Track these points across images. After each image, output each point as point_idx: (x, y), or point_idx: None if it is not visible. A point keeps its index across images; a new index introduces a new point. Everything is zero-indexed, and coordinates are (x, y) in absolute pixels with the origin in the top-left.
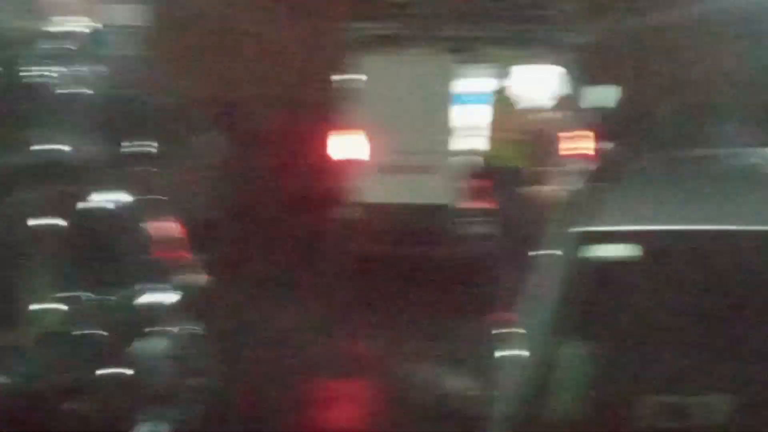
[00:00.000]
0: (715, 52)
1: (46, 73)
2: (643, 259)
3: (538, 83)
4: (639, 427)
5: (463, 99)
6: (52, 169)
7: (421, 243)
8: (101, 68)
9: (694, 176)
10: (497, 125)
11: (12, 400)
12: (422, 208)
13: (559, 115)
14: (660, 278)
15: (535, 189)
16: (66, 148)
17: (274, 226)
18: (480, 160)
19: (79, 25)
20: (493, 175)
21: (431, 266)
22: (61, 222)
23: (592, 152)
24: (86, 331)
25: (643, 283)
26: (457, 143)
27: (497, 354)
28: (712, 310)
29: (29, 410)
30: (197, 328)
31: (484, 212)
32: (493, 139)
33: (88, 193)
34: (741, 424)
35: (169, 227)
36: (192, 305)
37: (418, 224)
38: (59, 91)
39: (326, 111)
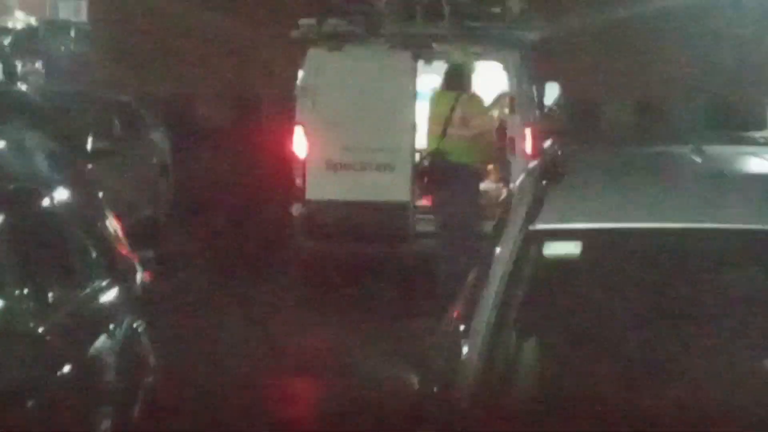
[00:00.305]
0: (665, 49)
1: None
2: (590, 257)
3: (489, 80)
4: (595, 424)
5: (418, 96)
6: None
7: (376, 240)
8: (46, 65)
9: (643, 173)
10: (450, 122)
11: None
12: (378, 205)
13: (510, 112)
14: (607, 276)
15: (487, 186)
16: (10, 145)
17: (227, 223)
18: (433, 157)
19: (23, 21)
20: (447, 172)
21: (386, 264)
22: (7, 218)
23: (542, 150)
24: (33, 330)
25: (590, 280)
26: (412, 140)
27: (451, 351)
28: (662, 309)
29: None
30: (144, 327)
31: (438, 209)
32: (447, 136)
33: (34, 189)
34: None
35: (116, 225)
36: (139, 303)
37: (373, 222)
38: (5, 87)
39: (281, 107)
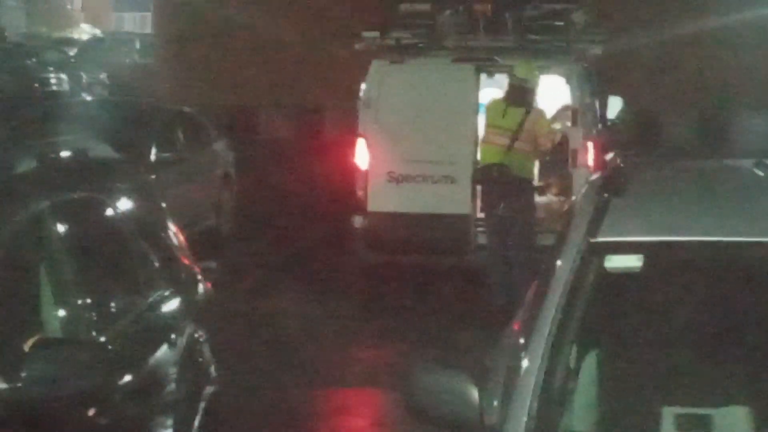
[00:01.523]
0: (728, 62)
1: (54, 81)
2: (652, 270)
3: (553, 93)
4: None
5: (481, 108)
6: (63, 174)
7: (436, 252)
8: (112, 76)
9: (705, 187)
10: (518, 137)
11: (14, 407)
12: (439, 217)
13: (572, 124)
14: (669, 289)
15: (549, 199)
16: (75, 154)
17: (289, 234)
18: (495, 169)
19: (88, 32)
20: (510, 184)
21: (447, 276)
22: (72, 228)
23: (605, 162)
24: (96, 339)
25: (652, 294)
26: (474, 153)
27: (511, 365)
28: (725, 322)
29: (32, 418)
30: (206, 337)
31: (499, 222)
32: (512, 150)
33: (97, 199)
34: None
35: (179, 235)
36: (200, 313)
37: (435, 234)
38: (70, 98)
39: (343, 119)
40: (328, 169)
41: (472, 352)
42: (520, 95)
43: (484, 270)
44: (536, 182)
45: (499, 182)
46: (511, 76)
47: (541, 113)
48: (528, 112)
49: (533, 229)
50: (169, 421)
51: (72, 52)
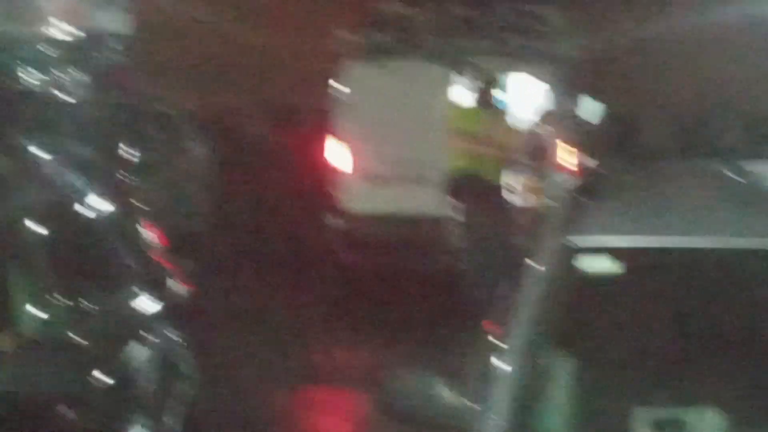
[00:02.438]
0: (705, 64)
1: (30, 79)
2: (628, 274)
3: (527, 95)
4: None
5: (454, 110)
6: (38, 174)
7: (410, 254)
8: (86, 75)
9: (680, 190)
10: (486, 137)
11: None
12: (412, 218)
13: (547, 127)
14: (645, 293)
15: (524, 201)
16: (52, 154)
17: (265, 234)
18: (469, 171)
19: (63, 31)
20: (482, 186)
21: (420, 277)
22: (47, 228)
23: (579, 165)
24: (71, 338)
25: (628, 297)
26: (447, 154)
27: (486, 366)
28: (699, 325)
29: (7, 417)
30: (181, 336)
31: (473, 224)
32: (477, 156)
33: (73, 199)
34: None
35: (154, 235)
36: (176, 313)
37: (407, 235)
38: (44, 97)
39: (317, 119)
40: (305, 168)
41: (448, 352)
42: (484, 97)
43: (458, 271)
44: (511, 184)
45: (471, 193)
46: (475, 77)
47: (498, 113)
48: (493, 115)
49: (505, 232)
50: (146, 421)
51: (49, 51)
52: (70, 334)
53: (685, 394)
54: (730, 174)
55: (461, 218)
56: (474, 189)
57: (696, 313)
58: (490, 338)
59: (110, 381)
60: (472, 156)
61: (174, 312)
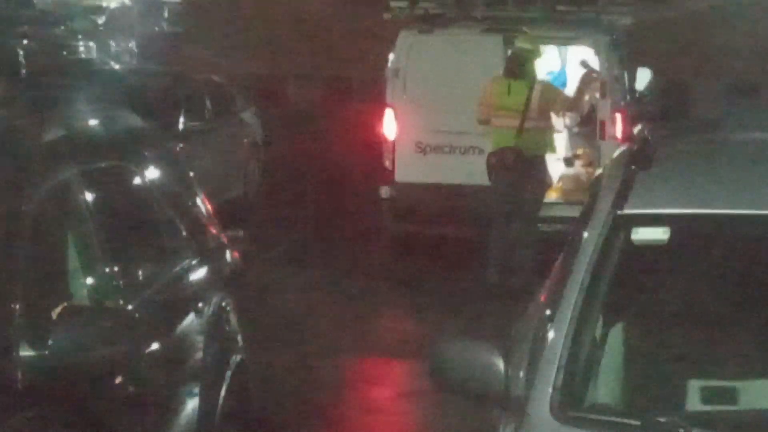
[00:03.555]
0: (758, 31)
1: (83, 49)
2: (678, 243)
3: (580, 65)
4: (681, 411)
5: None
6: (90, 143)
7: (463, 223)
8: (141, 44)
9: (734, 159)
10: (522, 114)
11: (42, 374)
12: (465, 188)
13: (600, 96)
14: (697, 263)
15: (576, 170)
16: (104, 124)
17: (316, 203)
18: (509, 153)
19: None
20: (523, 165)
21: (474, 246)
22: (101, 197)
23: (632, 135)
24: (123, 307)
25: (678, 266)
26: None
27: (537, 336)
28: (751, 295)
29: (60, 385)
30: (233, 306)
31: (506, 199)
32: (525, 131)
33: (125, 168)
34: None
35: (206, 204)
36: (228, 282)
37: (462, 204)
38: (99, 67)
39: (371, 89)
40: (356, 139)
41: (499, 322)
42: (521, 67)
43: (485, 245)
44: (563, 154)
45: (513, 168)
46: (513, 47)
47: (547, 84)
48: (532, 87)
49: (540, 208)
50: (196, 390)
51: (100, 20)
52: (122, 303)
53: (737, 364)
54: None
55: (497, 195)
56: (516, 170)
57: (749, 282)
58: (542, 308)
59: (162, 350)
60: (512, 136)
61: (225, 281)
